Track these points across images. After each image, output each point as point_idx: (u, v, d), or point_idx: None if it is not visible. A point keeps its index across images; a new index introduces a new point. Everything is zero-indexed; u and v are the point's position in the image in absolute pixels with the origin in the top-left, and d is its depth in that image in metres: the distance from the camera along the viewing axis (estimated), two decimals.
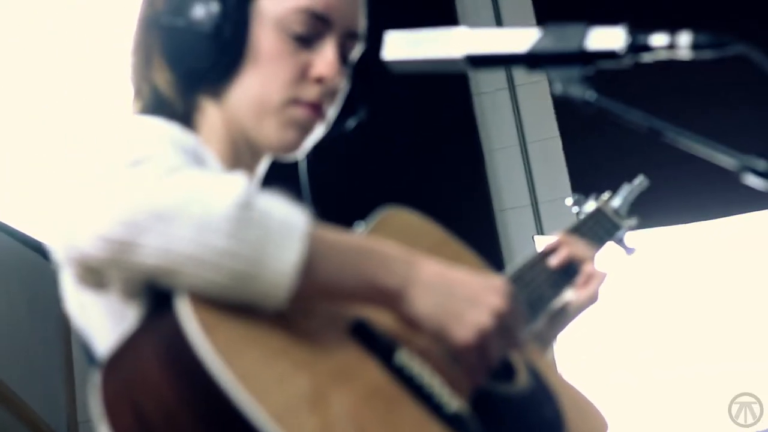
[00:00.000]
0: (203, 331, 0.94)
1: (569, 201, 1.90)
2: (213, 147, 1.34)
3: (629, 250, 1.89)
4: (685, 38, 1.05)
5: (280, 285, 1.00)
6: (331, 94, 1.38)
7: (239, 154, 1.38)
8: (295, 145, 1.37)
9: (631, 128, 1.07)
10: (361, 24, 1.41)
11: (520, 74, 4.32)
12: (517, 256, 3.92)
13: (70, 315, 1.21)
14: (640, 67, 1.13)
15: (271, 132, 1.35)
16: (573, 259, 1.62)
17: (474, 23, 4.33)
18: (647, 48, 1.08)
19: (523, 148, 4.40)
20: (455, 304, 1.11)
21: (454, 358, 1.16)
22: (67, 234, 1.02)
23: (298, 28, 1.34)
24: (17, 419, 2.86)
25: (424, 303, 1.10)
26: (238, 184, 1.01)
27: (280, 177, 1.30)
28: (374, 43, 1.34)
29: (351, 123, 1.49)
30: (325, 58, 1.35)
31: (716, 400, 3.61)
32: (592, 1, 3.77)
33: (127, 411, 0.95)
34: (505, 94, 4.45)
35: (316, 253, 1.03)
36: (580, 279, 1.61)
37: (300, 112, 1.35)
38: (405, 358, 1.12)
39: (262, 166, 1.44)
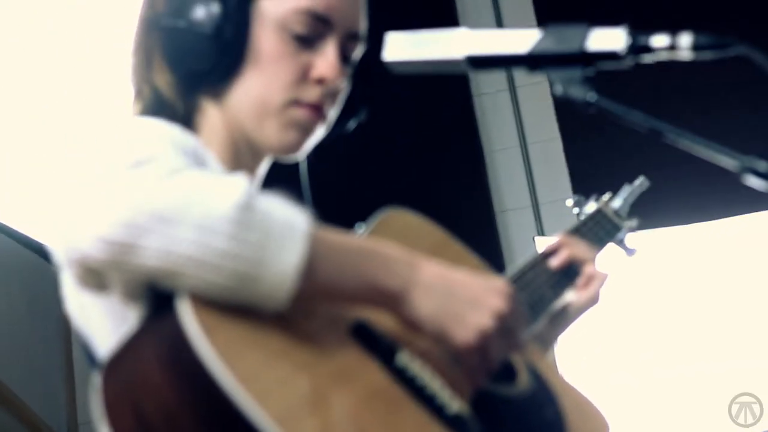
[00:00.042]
0: (204, 333, 0.94)
1: (570, 202, 1.90)
2: (214, 148, 1.34)
3: (630, 251, 1.89)
4: (685, 39, 1.05)
5: (281, 286, 1.00)
6: (331, 95, 1.38)
7: (240, 155, 1.38)
8: (296, 146, 1.37)
9: (632, 129, 1.07)
10: (362, 25, 1.41)
11: (520, 75, 4.31)
12: (517, 258, 3.92)
13: (70, 316, 1.21)
14: (640, 68, 1.13)
15: (271, 133, 1.35)
16: (574, 260, 1.61)
17: (474, 24, 4.33)
18: (648, 49, 1.08)
19: (523, 149, 4.39)
20: (456, 306, 1.11)
21: (455, 360, 1.16)
22: (68, 235, 1.02)
23: (299, 28, 1.34)
24: (17, 420, 2.86)
25: (425, 304, 1.10)
26: (238, 186, 1.01)
27: (281, 178, 1.30)
28: (375, 44, 1.34)
29: (352, 124, 1.49)
30: (326, 59, 1.35)
31: (716, 400, 3.60)
32: (593, 2, 3.77)
33: (127, 412, 0.95)
34: (506, 95, 4.45)
35: (317, 254, 1.03)
36: (580, 280, 1.61)
37: (301, 113, 1.35)
38: (406, 359, 1.12)
39: (263, 167, 1.44)
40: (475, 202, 4.31)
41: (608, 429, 1.37)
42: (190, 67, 1.33)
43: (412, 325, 1.12)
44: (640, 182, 1.94)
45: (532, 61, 1.12)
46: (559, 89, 1.09)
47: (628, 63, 1.09)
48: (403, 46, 1.18)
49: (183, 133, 1.20)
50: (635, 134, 1.12)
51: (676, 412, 3.67)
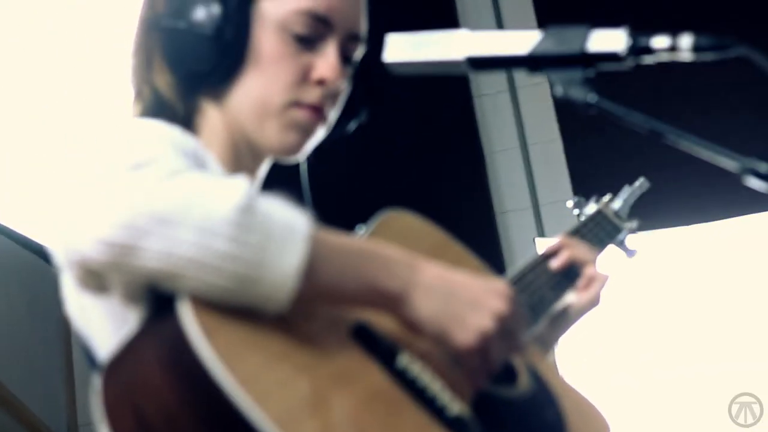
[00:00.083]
0: (204, 335, 0.94)
1: (570, 203, 1.90)
2: (214, 149, 1.34)
3: (630, 253, 1.89)
4: (686, 40, 1.05)
5: (281, 288, 1.00)
6: (332, 97, 1.38)
7: (240, 156, 1.38)
8: (297, 147, 1.37)
9: (632, 130, 1.07)
10: (363, 26, 1.41)
11: (521, 76, 4.31)
12: (517, 259, 3.92)
13: (70, 318, 1.21)
14: (641, 69, 1.13)
15: (272, 134, 1.35)
16: (574, 261, 1.61)
17: (475, 26, 4.33)
18: (648, 50, 1.08)
19: (524, 150, 4.39)
20: (457, 308, 1.11)
21: (456, 362, 1.16)
22: (68, 237, 1.02)
23: (300, 30, 1.34)
24: (17, 422, 2.86)
25: (425, 306, 1.10)
26: (239, 188, 1.01)
27: (281, 179, 1.30)
28: (375, 45, 1.34)
29: (352, 125, 1.49)
30: (326, 61, 1.35)
31: (716, 400, 3.61)
32: (593, 3, 3.77)
33: (128, 414, 0.95)
34: (506, 97, 4.45)
35: (318, 256, 1.03)
36: (581, 282, 1.61)
37: (301, 115, 1.35)
38: (406, 361, 1.11)
39: (263, 169, 1.43)
40: (476, 204, 4.31)
41: (609, 430, 1.37)
42: (191, 68, 1.33)
43: (413, 326, 1.12)
44: (640, 183, 1.94)
45: (533, 63, 1.12)
46: (559, 90, 1.09)
47: (629, 64, 1.09)
48: (403, 48, 1.18)
49: (183, 135, 1.20)
50: (635, 135, 1.12)
51: (677, 413, 3.68)
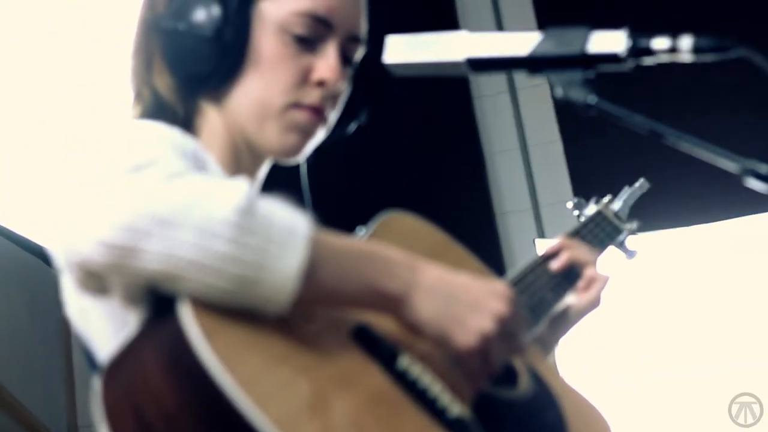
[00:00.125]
0: (205, 337, 0.94)
1: (570, 204, 1.90)
2: (214, 151, 1.34)
3: (630, 254, 1.89)
4: (686, 42, 1.05)
5: (282, 289, 0.99)
6: (332, 98, 1.38)
7: (240, 158, 1.38)
8: (297, 149, 1.37)
9: (633, 131, 1.07)
10: (363, 27, 1.41)
11: (521, 77, 4.31)
12: (518, 260, 3.92)
13: (70, 320, 1.21)
14: (641, 70, 1.13)
15: (272, 136, 1.35)
16: (574, 262, 1.61)
17: (475, 27, 4.33)
18: (648, 51, 1.08)
19: (524, 151, 4.39)
20: (457, 309, 1.11)
21: (456, 363, 1.16)
22: (69, 239, 1.02)
23: (300, 31, 1.34)
24: (17, 423, 2.86)
25: (426, 308, 1.10)
26: (239, 190, 1.01)
27: (281, 181, 1.30)
28: (375, 46, 1.34)
29: (352, 126, 1.49)
30: (326, 62, 1.35)
31: (716, 401, 3.61)
32: (593, 5, 3.77)
33: (128, 416, 0.95)
34: (506, 98, 4.45)
35: (318, 257, 1.03)
36: (581, 283, 1.61)
37: (301, 116, 1.35)
38: (407, 363, 1.11)
39: (263, 170, 1.43)
40: (476, 205, 4.32)
41: (610, 431, 1.36)
42: (191, 69, 1.33)
43: (413, 328, 1.12)
44: (640, 184, 1.94)
45: (533, 64, 1.12)
46: (559, 92, 1.09)
47: (629, 65, 1.09)
48: (403, 49, 1.18)
49: (183, 136, 1.20)
50: (636, 136, 1.12)
51: (677, 413, 3.68)
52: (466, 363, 1.14)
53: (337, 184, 2.91)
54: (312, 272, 1.01)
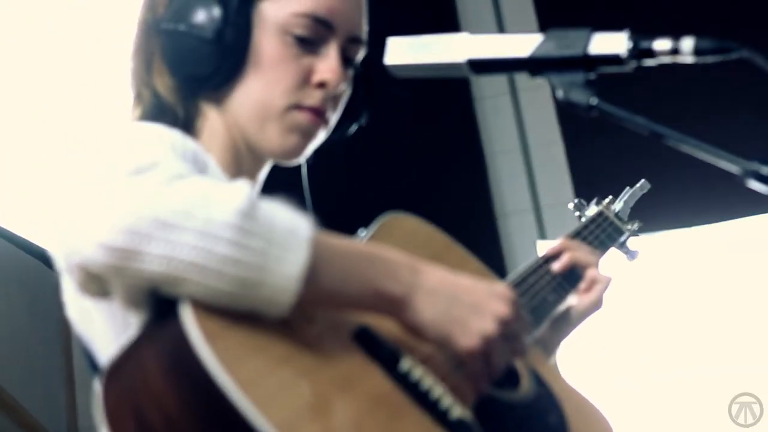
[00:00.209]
0: (206, 339, 0.94)
1: (571, 205, 1.89)
2: (214, 153, 1.34)
3: (631, 255, 1.88)
4: (687, 43, 1.05)
5: (283, 292, 0.99)
6: (333, 99, 1.38)
7: (241, 159, 1.38)
8: (298, 150, 1.37)
9: (634, 132, 1.07)
10: (364, 28, 1.41)
11: (522, 78, 4.31)
12: (519, 261, 3.92)
13: (71, 322, 1.21)
14: (642, 70, 1.13)
15: (273, 137, 1.35)
16: (576, 264, 1.60)
17: (476, 29, 4.32)
18: (650, 53, 1.07)
19: (525, 152, 4.39)
20: (459, 311, 1.11)
21: (458, 365, 1.16)
22: (70, 241, 1.02)
23: (301, 32, 1.34)
24: (17, 425, 2.86)
25: (428, 310, 1.10)
26: (240, 192, 1.00)
27: (282, 182, 1.30)
28: (376, 47, 1.34)
29: (353, 127, 1.49)
30: (327, 63, 1.35)
31: (716, 401, 3.61)
32: (595, 6, 3.77)
33: (129, 418, 0.95)
34: (507, 99, 4.45)
35: (320, 259, 1.02)
36: (583, 284, 1.60)
37: (302, 117, 1.35)
38: (409, 365, 1.11)
39: (264, 172, 1.43)
40: (477, 206, 4.31)
41: None
42: (191, 70, 1.33)
43: (415, 330, 1.12)
44: (641, 185, 1.94)
45: (534, 65, 1.12)
46: (560, 93, 1.09)
47: (631, 67, 1.09)
48: (404, 50, 1.18)
49: (183, 138, 1.20)
50: (637, 138, 1.11)
51: (677, 413, 3.68)
52: (467, 365, 1.14)
53: (338, 185, 2.91)
54: (313, 274, 1.01)
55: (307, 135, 1.37)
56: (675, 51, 1.06)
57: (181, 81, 1.35)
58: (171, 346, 0.96)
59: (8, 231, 2.85)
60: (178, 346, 0.95)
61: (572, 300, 1.60)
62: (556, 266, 1.59)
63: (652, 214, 2.00)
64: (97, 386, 0.98)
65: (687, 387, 3.71)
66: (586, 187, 3.07)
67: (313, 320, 1.07)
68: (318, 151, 1.42)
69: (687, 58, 1.06)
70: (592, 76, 1.10)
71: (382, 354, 1.10)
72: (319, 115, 1.36)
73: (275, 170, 1.44)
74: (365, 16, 1.41)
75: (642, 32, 1.09)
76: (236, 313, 0.99)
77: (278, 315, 1.01)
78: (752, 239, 3.84)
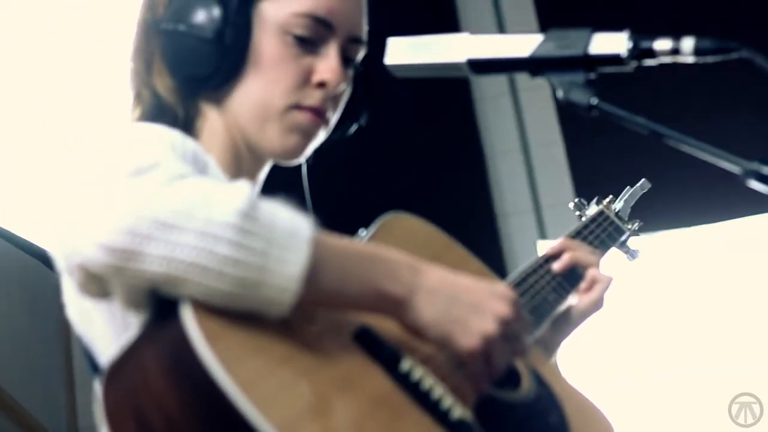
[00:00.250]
0: (207, 340, 0.94)
1: (572, 205, 1.89)
2: (214, 153, 1.34)
3: (632, 255, 1.88)
4: (688, 43, 1.05)
5: (284, 292, 0.99)
6: (333, 99, 1.37)
7: (241, 159, 1.38)
8: (298, 150, 1.37)
9: (634, 132, 1.07)
10: (364, 28, 1.41)
11: (522, 78, 4.31)
12: (519, 261, 3.92)
13: (71, 322, 1.21)
14: (642, 70, 1.13)
15: (273, 137, 1.35)
16: (576, 263, 1.60)
17: (476, 30, 4.32)
18: (650, 53, 1.07)
19: (525, 152, 4.39)
20: (460, 311, 1.11)
21: (459, 365, 1.16)
22: (71, 242, 1.02)
23: (301, 32, 1.34)
24: (17, 425, 2.86)
25: (428, 310, 1.10)
26: (241, 192, 1.00)
27: (282, 182, 1.30)
28: (376, 47, 1.34)
29: (352, 128, 1.49)
30: (327, 63, 1.35)
31: (716, 401, 3.61)
32: (595, 7, 3.77)
33: (129, 419, 0.95)
34: (508, 99, 4.45)
35: (321, 259, 1.02)
36: (583, 284, 1.60)
37: (302, 117, 1.35)
38: (409, 365, 1.11)
39: (264, 172, 1.43)
40: (477, 206, 4.31)
41: None
42: (191, 70, 1.33)
43: (415, 330, 1.11)
44: (641, 184, 1.94)
45: (534, 65, 1.12)
46: (561, 93, 1.09)
47: (631, 67, 1.09)
48: (404, 50, 1.18)
49: (183, 138, 1.20)
50: (637, 137, 1.11)
51: (677, 413, 3.68)
52: (468, 365, 1.13)
53: (338, 185, 2.91)
54: (314, 274, 1.01)
55: (307, 135, 1.37)
56: (675, 51, 1.06)
57: (181, 81, 1.35)
58: (171, 347, 0.96)
59: (8, 231, 2.85)
60: (178, 346, 0.95)
61: (573, 300, 1.60)
62: (557, 266, 1.59)
63: (652, 214, 2.00)
64: (98, 387, 0.98)
65: (687, 387, 3.71)
66: (586, 187, 3.07)
67: (314, 320, 1.07)
68: (318, 151, 1.42)
69: (687, 58, 1.06)
70: (592, 76, 1.10)
71: (383, 354, 1.10)
72: (319, 115, 1.36)
73: (275, 170, 1.44)
74: (365, 16, 1.41)
75: (642, 32, 1.09)
76: (237, 314, 0.99)
77: (279, 315, 1.00)
78: (752, 239, 3.84)
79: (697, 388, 3.69)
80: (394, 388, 1.07)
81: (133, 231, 0.97)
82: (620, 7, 3.86)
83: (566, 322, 1.59)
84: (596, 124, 1.21)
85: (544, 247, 1.65)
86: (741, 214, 3.81)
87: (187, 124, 1.36)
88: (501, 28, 4.45)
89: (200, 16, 1.31)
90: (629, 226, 1.86)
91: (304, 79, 1.35)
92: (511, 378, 1.26)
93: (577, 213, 1.87)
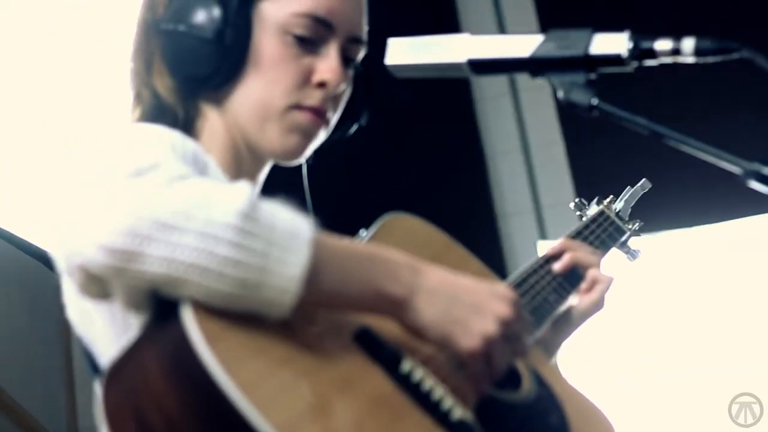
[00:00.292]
0: (207, 341, 0.94)
1: (572, 205, 1.89)
2: (215, 153, 1.34)
3: (633, 255, 1.88)
4: (688, 43, 1.05)
5: (284, 293, 0.99)
6: (333, 99, 1.37)
7: (241, 160, 1.38)
8: (298, 150, 1.37)
9: (635, 132, 1.07)
10: (364, 28, 1.41)
11: (523, 78, 4.31)
12: (519, 262, 3.92)
13: (71, 323, 1.21)
14: (643, 71, 1.12)
15: (273, 137, 1.35)
16: (577, 264, 1.60)
17: (476, 30, 4.32)
18: (651, 53, 1.07)
19: (525, 152, 4.39)
20: (460, 312, 1.11)
21: (459, 366, 1.16)
22: (71, 243, 1.02)
23: (301, 32, 1.34)
24: (17, 426, 2.85)
25: (429, 310, 1.10)
26: (241, 193, 1.00)
27: (282, 183, 1.30)
28: (376, 47, 1.34)
29: (353, 128, 1.49)
30: (327, 63, 1.35)
31: (716, 401, 3.61)
32: (596, 6, 3.77)
33: (129, 420, 0.95)
34: (508, 99, 4.45)
35: (321, 260, 1.02)
36: (584, 285, 1.60)
37: (303, 117, 1.35)
38: (410, 366, 1.11)
39: (264, 172, 1.43)
40: (477, 206, 4.31)
41: None
42: (191, 71, 1.33)
43: (416, 331, 1.11)
44: (641, 184, 1.94)
45: (535, 66, 1.12)
46: (561, 93, 1.09)
47: (631, 67, 1.09)
48: (405, 51, 1.18)
49: (183, 139, 1.20)
50: (638, 138, 1.11)
51: (678, 413, 3.68)
52: (468, 366, 1.13)
53: (338, 185, 2.91)
54: (314, 275, 1.01)
55: (308, 135, 1.36)
56: (676, 51, 1.06)
57: (181, 81, 1.35)
58: (172, 348, 0.96)
59: (8, 232, 2.84)
60: (178, 347, 0.95)
61: (573, 300, 1.59)
62: (557, 266, 1.59)
63: (653, 215, 2.00)
64: (98, 387, 0.98)
65: (687, 387, 3.71)
66: (586, 187, 3.07)
67: (314, 321, 1.06)
68: (318, 152, 1.42)
69: (688, 58, 1.06)
70: (592, 76, 1.10)
71: (383, 355, 1.10)
72: (319, 115, 1.36)
73: (275, 170, 1.44)
74: (365, 16, 1.41)
75: (642, 32, 1.09)
76: (237, 315, 0.99)
77: (279, 316, 1.00)
78: (753, 239, 3.84)
79: (697, 388, 3.69)
80: (395, 388, 1.07)
81: (134, 232, 0.97)
82: (621, 8, 3.86)
83: (567, 323, 1.59)
84: (597, 124, 1.21)
85: (544, 248, 1.65)
86: (741, 215, 3.82)
87: (187, 125, 1.36)
88: (501, 29, 4.45)
89: (200, 16, 1.31)
90: (630, 227, 1.86)
91: (305, 79, 1.34)
92: (512, 379, 1.26)
93: (578, 213, 1.87)
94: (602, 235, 1.77)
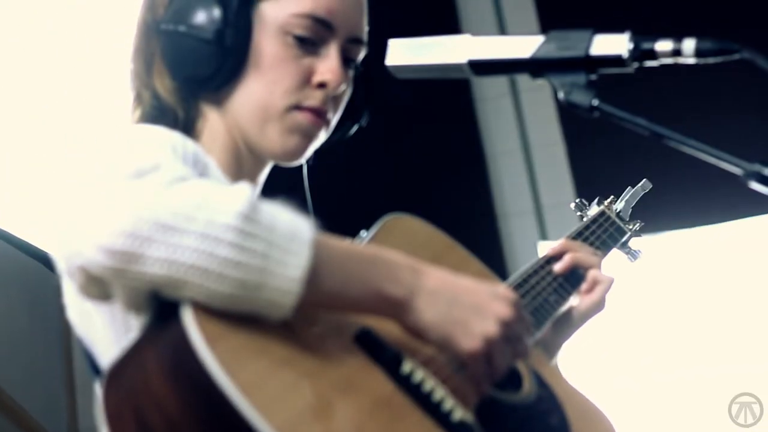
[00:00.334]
0: (208, 342, 0.94)
1: (573, 205, 1.89)
2: (215, 154, 1.34)
3: (633, 255, 1.88)
4: (689, 44, 1.05)
5: (285, 294, 0.99)
6: (334, 100, 1.37)
7: (241, 160, 1.38)
8: (299, 151, 1.37)
9: (636, 133, 1.07)
10: (364, 29, 1.41)
11: (523, 79, 4.30)
12: (520, 262, 3.92)
13: (72, 324, 1.21)
14: (644, 72, 1.12)
15: (274, 138, 1.35)
16: (578, 264, 1.60)
17: (477, 31, 4.32)
18: (652, 54, 1.07)
19: (526, 153, 4.39)
20: (461, 313, 1.11)
21: (460, 367, 1.16)
22: (71, 244, 1.02)
23: (301, 32, 1.33)
24: (17, 427, 2.85)
25: (429, 311, 1.10)
26: (242, 194, 1.00)
27: (283, 184, 1.30)
28: (376, 48, 1.34)
29: (353, 128, 1.49)
30: (328, 64, 1.35)
31: (716, 401, 3.61)
32: (596, 7, 3.77)
33: (130, 421, 0.95)
34: (509, 99, 4.45)
35: (322, 261, 1.02)
36: (585, 285, 1.60)
37: (303, 118, 1.35)
38: (411, 367, 1.11)
39: (265, 173, 1.43)
40: (478, 207, 4.31)
41: None
42: (191, 71, 1.33)
43: (416, 332, 1.11)
44: (642, 184, 1.93)
45: (535, 67, 1.12)
46: (562, 94, 1.08)
47: (632, 68, 1.09)
48: (405, 52, 1.18)
49: (184, 140, 1.20)
50: (638, 138, 1.11)
51: (678, 413, 3.68)
52: (469, 367, 1.13)
53: (338, 186, 2.91)
54: (315, 276, 1.01)
55: (308, 136, 1.36)
56: (676, 52, 1.06)
57: (182, 82, 1.35)
58: (172, 349, 0.96)
59: (9, 233, 2.84)
60: (179, 348, 0.95)
61: (574, 301, 1.59)
62: (558, 267, 1.59)
63: (653, 215, 1.99)
64: (98, 388, 0.98)
65: (687, 387, 3.71)
66: (587, 188, 3.07)
67: (315, 322, 1.06)
68: (318, 152, 1.42)
69: (688, 59, 1.06)
70: (593, 77, 1.10)
71: (384, 356, 1.10)
72: (319, 115, 1.36)
73: (276, 171, 1.44)
74: (365, 17, 1.41)
75: (643, 33, 1.09)
76: (238, 316, 0.99)
77: (280, 317, 1.00)
78: (753, 240, 3.84)
79: (697, 388, 3.69)
80: (396, 390, 1.07)
81: (134, 233, 0.97)
82: (621, 8, 3.86)
83: (567, 324, 1.59)
84: (597, 125, 1.21)
85: (545, 248, 1.65)
86: (742, 215, 3.82)
87: (188, 126, 1.36)
88: (502, 29, 4.45)
89: (200, 17, 1.31)
90: (630, 227, 1.86)
91: (305, 80, 1.34)
92: (513, 379, 1.26)
93: (578, 213, 1.87)
94: (603, 235, 1.77)
